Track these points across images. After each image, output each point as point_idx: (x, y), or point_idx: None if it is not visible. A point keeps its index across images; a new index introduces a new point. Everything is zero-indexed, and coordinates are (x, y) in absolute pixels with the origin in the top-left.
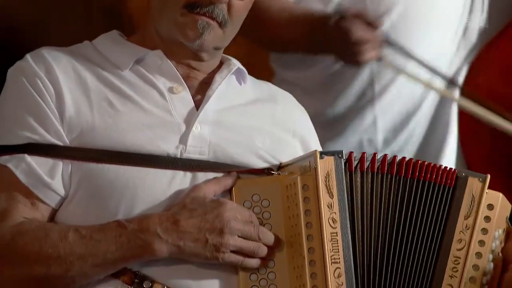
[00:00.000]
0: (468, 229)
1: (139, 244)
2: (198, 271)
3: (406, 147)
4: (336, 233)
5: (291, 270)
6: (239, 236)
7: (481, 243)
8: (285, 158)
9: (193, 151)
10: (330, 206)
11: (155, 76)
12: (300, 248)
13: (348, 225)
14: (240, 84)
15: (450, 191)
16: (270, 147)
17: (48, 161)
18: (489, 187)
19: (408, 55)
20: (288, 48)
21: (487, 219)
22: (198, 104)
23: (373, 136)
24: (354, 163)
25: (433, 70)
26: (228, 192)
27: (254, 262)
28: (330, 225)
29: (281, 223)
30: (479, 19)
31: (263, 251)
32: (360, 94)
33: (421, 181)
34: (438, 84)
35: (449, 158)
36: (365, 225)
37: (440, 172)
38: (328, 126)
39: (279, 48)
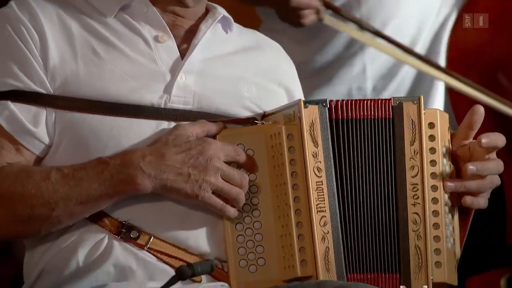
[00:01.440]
0: (416, 153)
1: (122, 178)
2: (184, 221)
3: (396, 95)
4: (321, 181)
5: (276, 219)
6: (222, 177)
7: (433, 162)
8: (270, 108)
9: (177, 101)
10: (315, 155)
11: (140, 24)
12: (285, 197)
13: (334, 174)
14: (226, 32)
15: (390, 122)
16: (256, 96)
17: (31, 109)
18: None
19: (348, 18)
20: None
21: (432, 138)
22: (183, 53)
23: (362, 84)
24: (338, 111)
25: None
26: None
27: (233, 211)
28: (315, 174)
29: (266, 172)
30: None
31: (244, 198)
32: (348, 42)
33: (360, 120)
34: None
35: (438, 107)
36: (350, 173)
37: (376, 106)
38: (317, 74)
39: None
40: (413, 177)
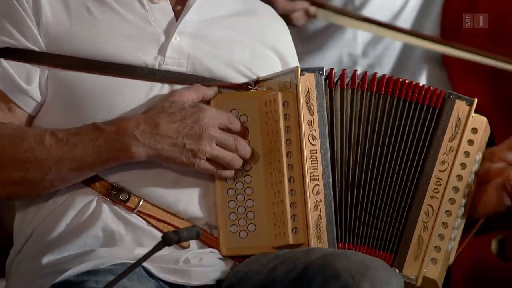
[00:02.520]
0: (452, 151)
1: (116, 146)
2: (176, 184)
3: (384, 59)
4: (316, 150)
5: (268, 186)
6: (216, 144)
7: (463, 166)
8: (264, 73)
9: (171, 63)
10: (310, 124)
11: None
12: (279, 164)
13: (328, 143)
14: None
15: (436, 112)
16: (249, 61)
17: (24, 67)
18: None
19: (342, 13)
20: None
21: (470, 142)
22: (178, 15)
23: (352, 50)
24: (335, 80)
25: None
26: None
27: (228, 173)
28: (310, 142)
29: (259, 138)
30: None
31: (238, 163)
32: (341, 7)
33: (405, 100)
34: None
35: (428, 74)
36: (345, 143)
37: (425, 93)
38: (308, 40)
39: None
40: (440, 171)
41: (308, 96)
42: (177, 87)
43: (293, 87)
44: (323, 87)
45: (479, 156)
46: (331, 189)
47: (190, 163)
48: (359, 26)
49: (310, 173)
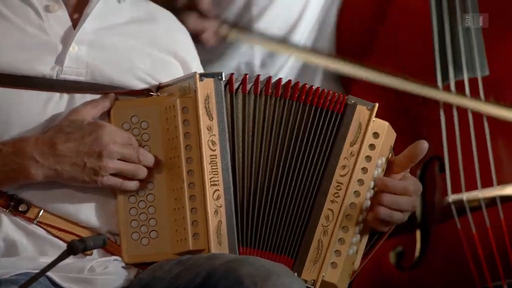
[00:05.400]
0: (352, 156)
1: (14, 168)
2: (76, 194)
3: (283, 70)
4: (216, 155)
5: (170, 192)
6: (118, 159)
7: (364, 170)
8: (166, 79)
9: (70, 72)
10: (209, 129)
11: None
12: (179, 170)
13: (228, 148)
14: (119, 2)
15: (338, 117)
16: (150, 68)
17: None
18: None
19: (251, 32)
20: None
21: (372, 147)
22: (76, 23)
23: (250, 60)
24: (236, 85)
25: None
26: (107, 114)
27: (133, 184)
28: (210, 147)
29: (160, 145)
30: None
31: (143, 172)
32: (237, 16)
33: (308, 105)
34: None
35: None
36: (247, 148)
37: (329, 98)
38: (208, 49)
39: None
40: (341, 176)
41: (207, 102)
42: (77, 96)
43: (192, 92)
44: (223, 92)
45: (381, 161)
46: (232, 194)
47: (92, 181)
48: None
49: (210, 179)
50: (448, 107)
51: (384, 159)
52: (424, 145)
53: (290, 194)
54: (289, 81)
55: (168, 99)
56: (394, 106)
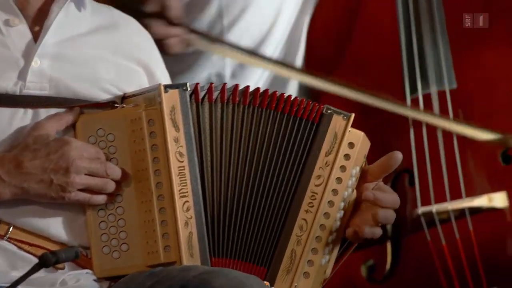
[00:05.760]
0: (327, 166)
1: None
2: (45, 210)
3: (254, 81)
4: (184, 166)
5: (139, 204)
6: (86, 174)
7: (339, 180)
8: (131, 89)
9: (33, 87)
10: (176, 140)
11: None
12: (147, 183)
13: (196, 158)
14: (80, 10)
15: (314, 126)
16: (115, 78)
17: None
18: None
19: (217, 40)
20: None
21: (347, 157)
22: (36, 37)
23: (221, 70)
24: (201, 94)
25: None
26: (72, 128)
27: (101, 198)
28: (177, 159)
29: (128, 157)
30: None
31: (111, 186)
32: (208, 27)
33: (280, 113)
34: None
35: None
36: (216, 158)
37: (303, 106)
38: (178, 59)
39: None
40: (316, 185)
41: (172, 113)
42: (42, 111)
43: (157, 104)
44: (188, 103)
45: (356, 170)
46: (202, 204)
47: (60, 197)
48: (238, 58)
49: (179, 190)
50: (417, 121)
51: (358, 168)
52: (399, 156)
53: (263, 203)
54: (258, 88)
55: (134, 111)
56: (364, 119)
